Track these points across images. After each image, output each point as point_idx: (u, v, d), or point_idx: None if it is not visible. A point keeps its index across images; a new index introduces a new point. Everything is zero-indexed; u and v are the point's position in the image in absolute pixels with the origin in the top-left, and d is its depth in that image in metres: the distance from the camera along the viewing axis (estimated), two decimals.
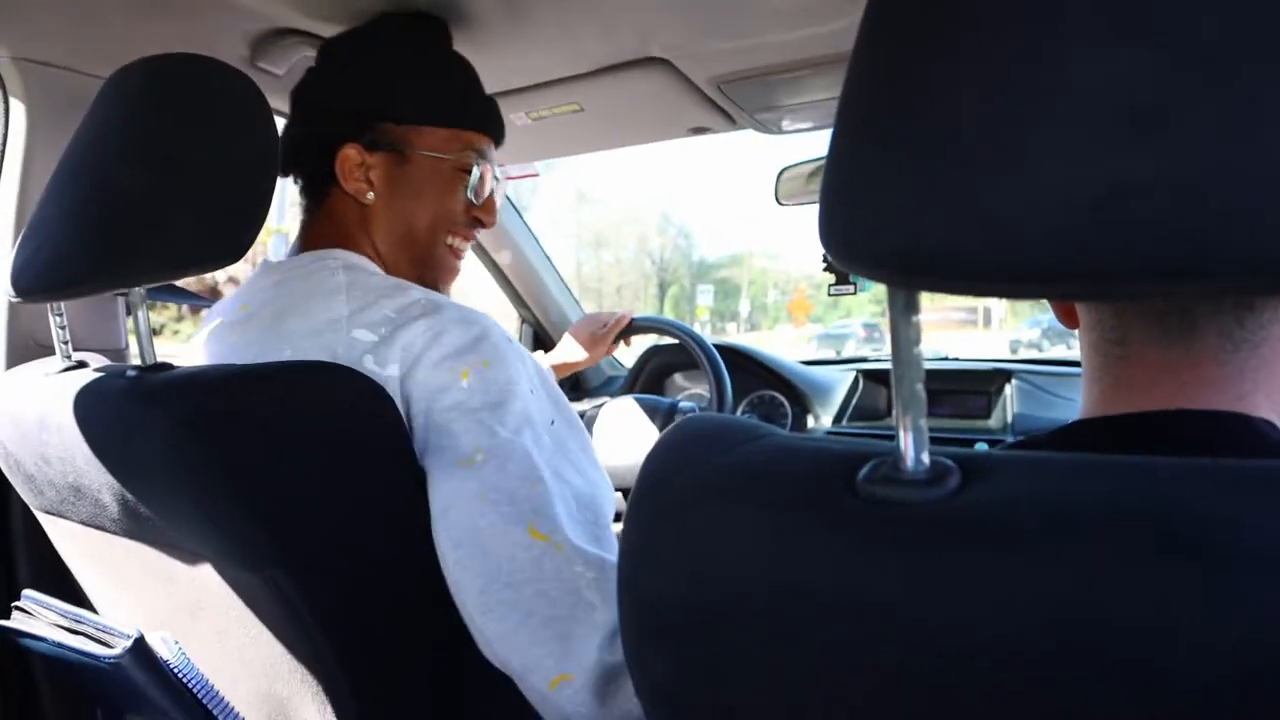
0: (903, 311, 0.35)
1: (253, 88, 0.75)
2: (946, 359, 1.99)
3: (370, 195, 0.92)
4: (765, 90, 1.28)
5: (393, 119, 0.92)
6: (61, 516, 0.85)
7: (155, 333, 0.77)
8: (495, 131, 1.00)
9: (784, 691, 0.37)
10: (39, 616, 0.80)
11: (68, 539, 0.89)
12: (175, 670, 0.71)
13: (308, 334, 0.77)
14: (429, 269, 0.97)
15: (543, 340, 2.16)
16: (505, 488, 0.71)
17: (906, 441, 0.35)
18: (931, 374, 1.80)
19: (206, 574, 0.72)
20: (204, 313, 1.04)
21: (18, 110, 1.06)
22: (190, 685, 0.72)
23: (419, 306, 0.78)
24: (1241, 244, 0.27)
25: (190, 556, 0.74)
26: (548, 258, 2.09)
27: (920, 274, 0.32)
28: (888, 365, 0.36)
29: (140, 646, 0.69)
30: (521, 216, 1.99)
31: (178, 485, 0.65)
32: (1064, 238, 0.29)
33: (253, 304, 0.86)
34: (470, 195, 0.96)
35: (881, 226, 0.33)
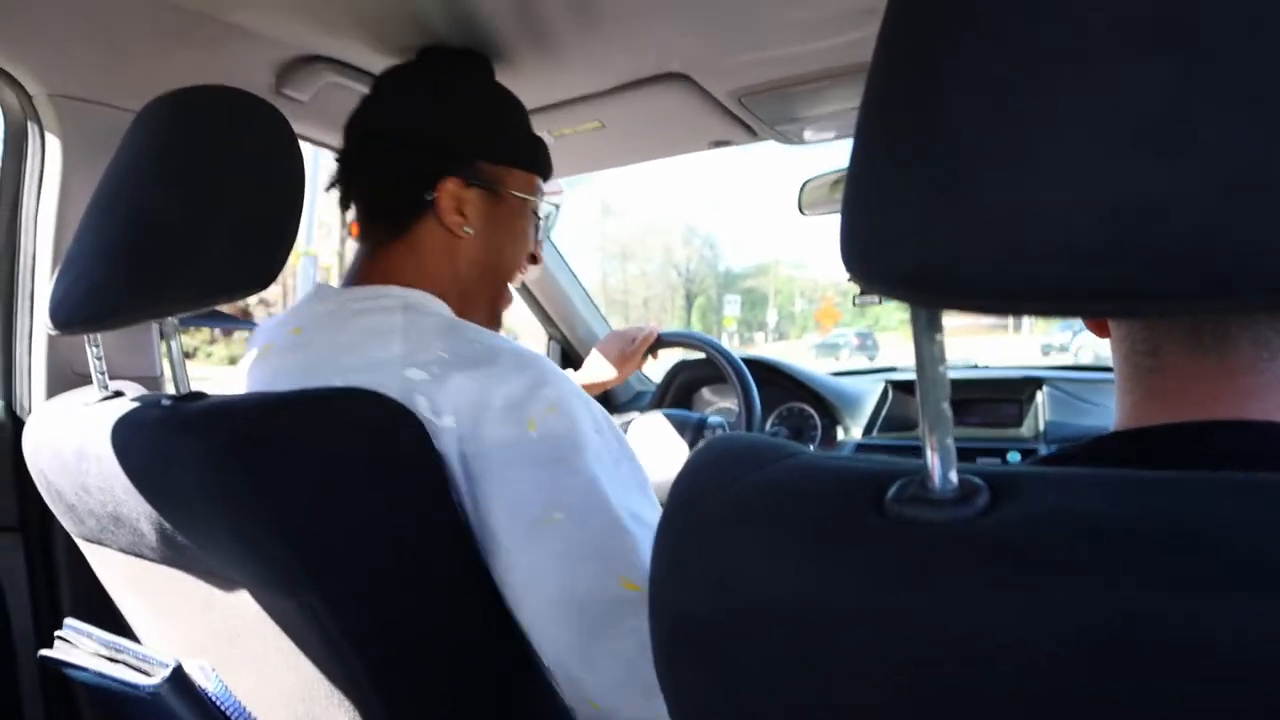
0: (925, 329, 0.35)
1: (279, 118, 0.76)
2: (976, 367, 1.97)
3: (468, 229, 0.93)
4: (785, 102, 1.28)
5: (488, 158, 0.95)
6: (102, 545, 0.87)
7: (188, 356, 0.79)
8: (550, 174, 1.05)
9: (809, 710, 0.37)
10: (80, 646, 0.81)
11: (109, 567, 0.91)
12: (214, 699, 0.72)
13: (360, 370, 0.77)
14: (499, 302, 1.02)
15: (570, 357, 2.17)
16: (590, 543, 0.71)
17: (934, 461, 0.35)
18: (961, 383, 1.79)
19: (244, 601, 0.73)
20: (242, 335, 1.06)
21: (53, 145, 1.08)
22: (229, 714, 0.73)
23: (473, 351, 0.78)
24: (1263, 260, 0.26)
25: (228, 583, 0.75)
26: (574, 274, 2.09)
27: (940, 293, 0.32)
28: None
29: (178, 676, 0.70)
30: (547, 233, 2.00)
31: (214, 514, 0.66)
32: (1084, 256, 0.29)
33: (306, 329, 0.85)
34: (541, 236, 1.03)
35: (901, 244, 0.33)
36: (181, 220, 0.71)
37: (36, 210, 1.12)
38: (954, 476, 0.35)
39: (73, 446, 0.80)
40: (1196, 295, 0.27)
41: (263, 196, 0.73)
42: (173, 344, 0.74)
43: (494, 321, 1.02)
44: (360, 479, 0.68)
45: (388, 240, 0.93)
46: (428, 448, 0.72)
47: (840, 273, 0.36)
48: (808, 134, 1.44)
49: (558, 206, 1.12)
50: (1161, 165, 0.28)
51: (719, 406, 2.07)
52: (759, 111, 1.33)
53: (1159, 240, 0.28)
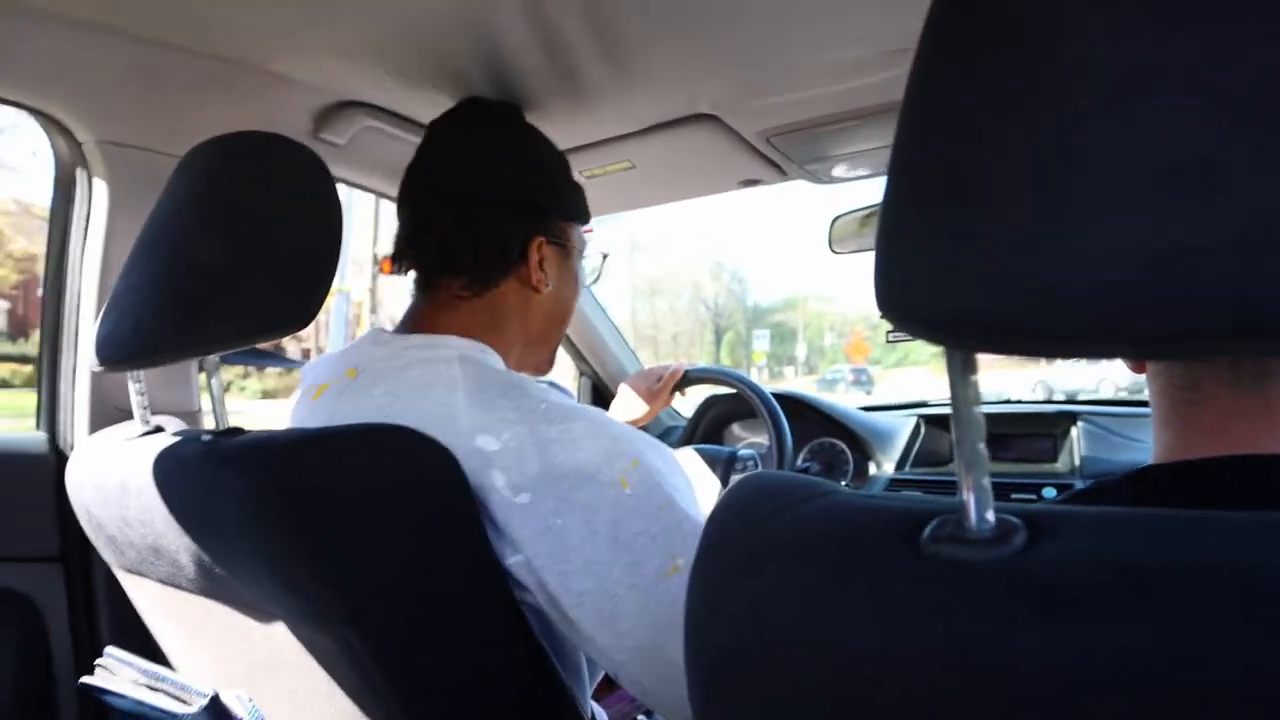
0: (960, 372, 0.35)
1: (317, 161, 0.78)
2: (1010, 401, 1.95)
3: (550, 286, 0.96)
4: (814, 142, 1.29)
5: (561, 215, 0.99)
6: (141, 575, 0.88)
7: (224, 389, 0.80)
8: (588, 220, 1.08)
9: None
10: (119, 674, 0.82)
11: (147, 597, 0.92)
12: None
13: (420, 424, 0.74)
14: (556, 348, 1.06)
15: (601, 393, 2.17)
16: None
17: (970, 501, 0.35)
18: (995, 417, 1.77)
19: (280, 632, 0.74)
20: (274, 370, 1.07)
21: (100, 189, 1.12)
22: None
23: (539, 412, 0.77)
24: None
25: (264, 615, 0.75)
26: (604, 311, 2.10)
27: (975, 336, 0.32)
28: (949, 409, 0.36)
29: (216, 705, 0.70)
30: None
31: (251, 547, 0.67)
32: (1119, 299, 0.29)
33: (363, 373, 0.84)
34: (588, 284, 1.10)
35: (936, 287, 0.34)
36: (223, 261, 0.73)
37: (83, 252, 1.15)
38: (991, 516, 0.35)
39: (115, 480, 0.81)
40: (1232, 337, 0.27)
41: (301, 238, 0.74)
42: (213, 380, 0.76)
43: (550, 365, 1.06)
44: (395, 515, 0.69)
45: (466, 295, 0.92)
46: (461, 486, 0.72)
47: (870, 306, 0.37)
48: (837, 172, 1.44)
49: (605, 256, 1.17)
50: (1193, 207, 0.28)
51: (750, 441, 2.06)
52: (788, 151, 1.34)
53: (1194, 282, 0.28)
